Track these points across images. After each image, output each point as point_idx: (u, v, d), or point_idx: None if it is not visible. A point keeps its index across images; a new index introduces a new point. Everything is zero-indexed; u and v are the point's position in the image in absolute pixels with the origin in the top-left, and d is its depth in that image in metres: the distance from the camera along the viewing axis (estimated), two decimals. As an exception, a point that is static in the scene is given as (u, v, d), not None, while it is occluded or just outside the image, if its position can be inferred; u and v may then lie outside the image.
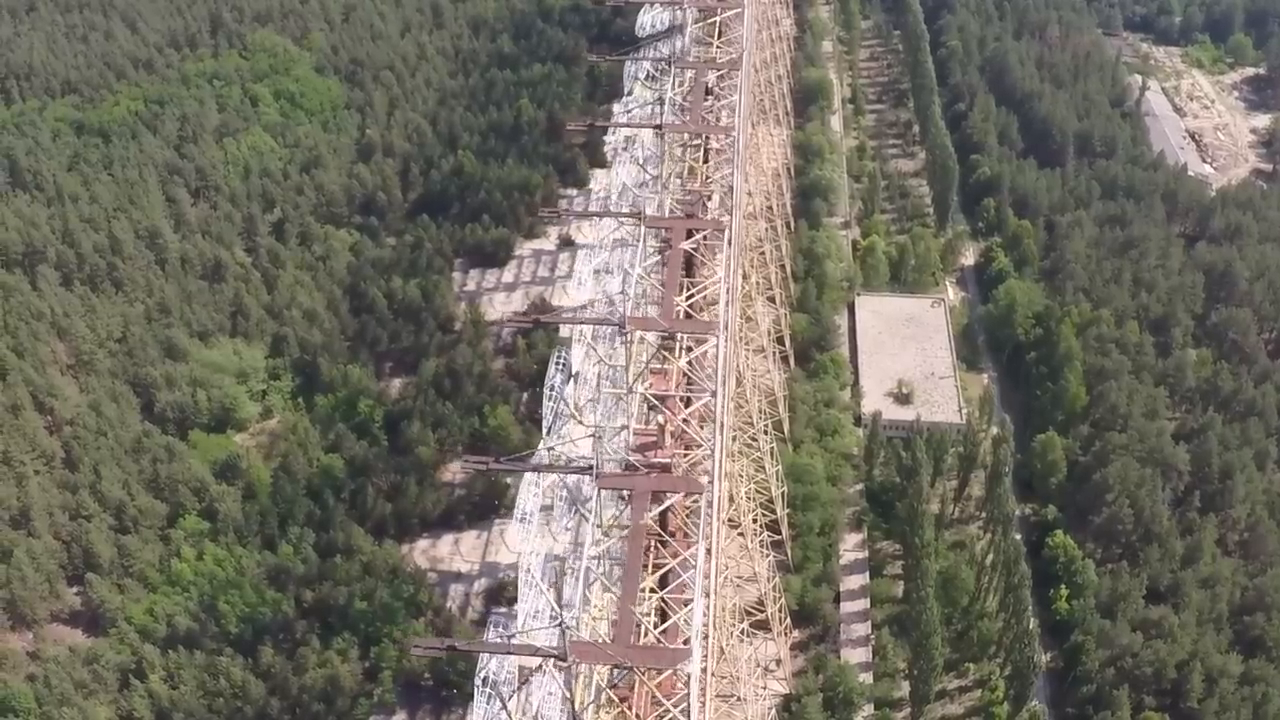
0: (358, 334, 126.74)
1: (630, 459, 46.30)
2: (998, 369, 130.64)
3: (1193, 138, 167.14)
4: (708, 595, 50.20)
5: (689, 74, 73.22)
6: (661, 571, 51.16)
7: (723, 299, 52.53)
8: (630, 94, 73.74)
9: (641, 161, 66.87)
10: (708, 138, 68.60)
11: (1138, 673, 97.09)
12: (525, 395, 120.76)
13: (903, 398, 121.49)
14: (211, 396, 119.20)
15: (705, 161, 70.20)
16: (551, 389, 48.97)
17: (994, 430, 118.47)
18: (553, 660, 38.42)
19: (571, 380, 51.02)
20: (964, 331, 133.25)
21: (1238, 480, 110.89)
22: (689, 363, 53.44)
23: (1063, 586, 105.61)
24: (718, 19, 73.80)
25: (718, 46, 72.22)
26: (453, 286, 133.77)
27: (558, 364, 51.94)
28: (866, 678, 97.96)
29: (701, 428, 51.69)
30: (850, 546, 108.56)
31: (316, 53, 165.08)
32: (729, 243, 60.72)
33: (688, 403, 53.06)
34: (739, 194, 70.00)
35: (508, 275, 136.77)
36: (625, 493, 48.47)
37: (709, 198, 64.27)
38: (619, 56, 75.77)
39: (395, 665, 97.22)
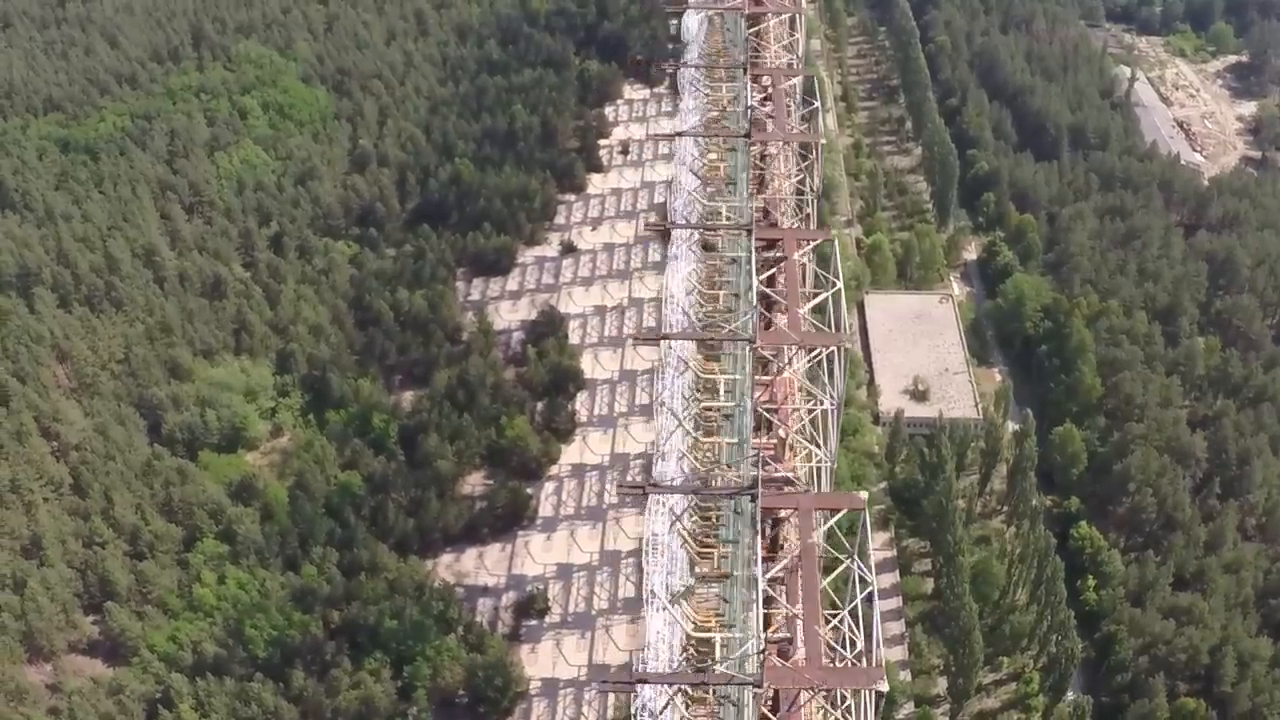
0: (365, 347, 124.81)
1: (756, 474, 45.25)
2: (1008, 363, 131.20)
3: (1181, 127, 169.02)
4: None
5: (740, 79, 72.22)
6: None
7: (842, 305, 51.68)
8: (681, 99, 72.60)
9: (696, 170, 65.80)
10: (766, 144, 67.69)
11: (1171, 660, 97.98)
12: (540, 405, 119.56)
13: (919, 395, 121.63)
14: (221, 416, 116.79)
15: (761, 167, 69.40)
16: (662, 404, 47.63)
17: (1010, 425, 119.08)
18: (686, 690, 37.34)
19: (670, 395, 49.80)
20: (972, 326, 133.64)
21: (1255, 466, 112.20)
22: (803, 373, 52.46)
23: (1090, 577, 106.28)
24: (770, 23, 72.87)
25: (775, 51, 71.22)
26: (457, 296, 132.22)
27: (662, 380, 50.68)
28: (904, 675, 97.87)
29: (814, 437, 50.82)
30: (878, 545, 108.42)
31: (302, 63, 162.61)
32: (836, 249, 59.79)
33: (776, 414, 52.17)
34: (818, 200, 68.97)
35: (511, 283, 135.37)
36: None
37: (778, 206, 63.43)
38: (682, 63, 74.09)
39: (429, 683, 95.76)
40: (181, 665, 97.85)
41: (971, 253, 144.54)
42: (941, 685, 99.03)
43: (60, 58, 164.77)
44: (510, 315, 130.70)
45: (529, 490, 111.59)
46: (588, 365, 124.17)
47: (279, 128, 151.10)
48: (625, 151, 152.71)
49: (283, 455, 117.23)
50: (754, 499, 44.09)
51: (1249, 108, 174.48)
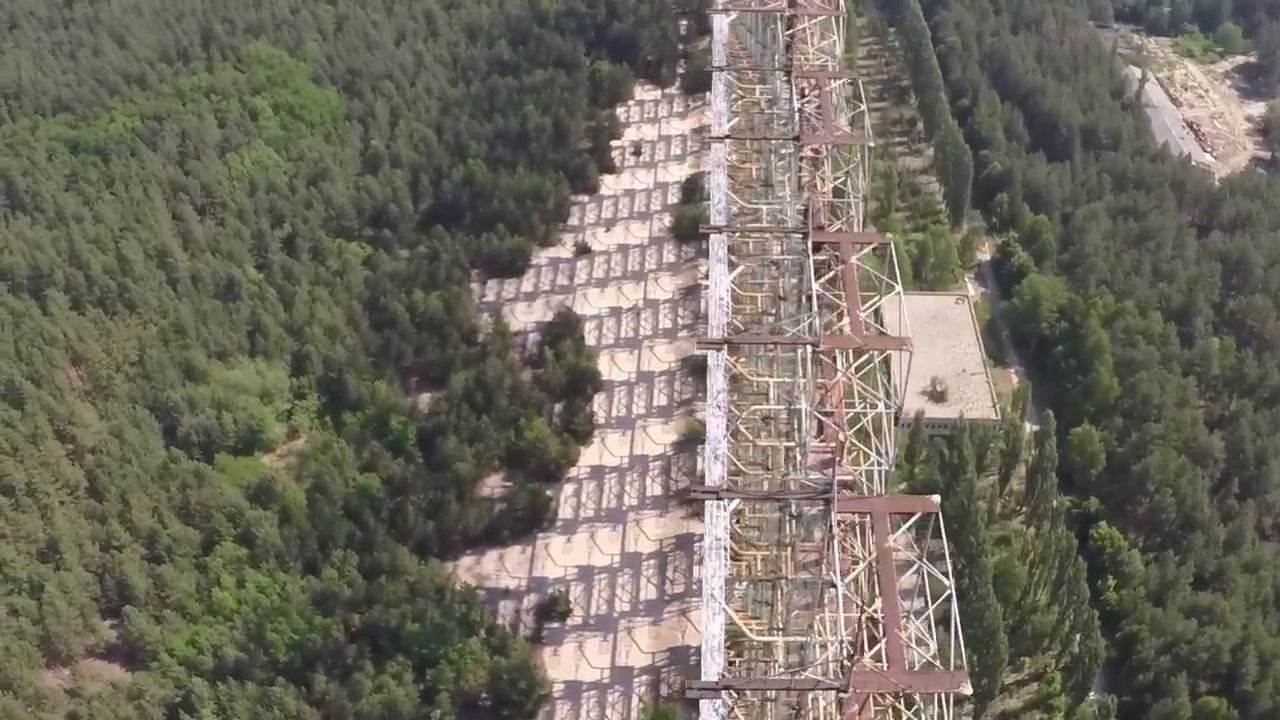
0: (381, 349, 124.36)
1: (832, 478, 44.90)
2: (1024, 363, 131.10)
3: (1191, 128, 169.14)
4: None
5: (777, 82, 71.80)
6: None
7: (902, 308, 51.41)
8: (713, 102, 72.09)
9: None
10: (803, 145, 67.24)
11: (1193, 659, 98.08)
12: (558, 406, 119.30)
13: (937, 395, 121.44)
14: (237, 418, 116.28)
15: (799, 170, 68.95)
16: (718, 407, 47.25)
17: (1027, 425, 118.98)
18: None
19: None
20: (987, 327, 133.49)
21: (1273, 465, 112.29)
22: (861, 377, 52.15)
23: (1110, 577, 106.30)
24: (806, 25, 72.44)
25: (811, 54, 70.76)
26: (472, 297, 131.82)
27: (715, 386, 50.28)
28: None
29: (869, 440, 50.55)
30: (899, 546, 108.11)
31: (312, 63, 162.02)
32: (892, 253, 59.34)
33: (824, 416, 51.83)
34: (864, 203, 68.42)
35: (526, 284, 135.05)
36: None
37: (820, 209, 63.03)
38: (735, 67, 73.55)
39: (452, 686, 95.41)
40: (202, 669, 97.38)
41: (985, 253, 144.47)
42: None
43: (68, 58, 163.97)
44: (525, 317, 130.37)
45: (548, 492, 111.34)
46: (604, 367, 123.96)
47: (290, 129, 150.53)
48: (638, 152, 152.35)
49: (299, 458, 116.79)
50: (828, 503, 43.75)
51: (1258, 108, 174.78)
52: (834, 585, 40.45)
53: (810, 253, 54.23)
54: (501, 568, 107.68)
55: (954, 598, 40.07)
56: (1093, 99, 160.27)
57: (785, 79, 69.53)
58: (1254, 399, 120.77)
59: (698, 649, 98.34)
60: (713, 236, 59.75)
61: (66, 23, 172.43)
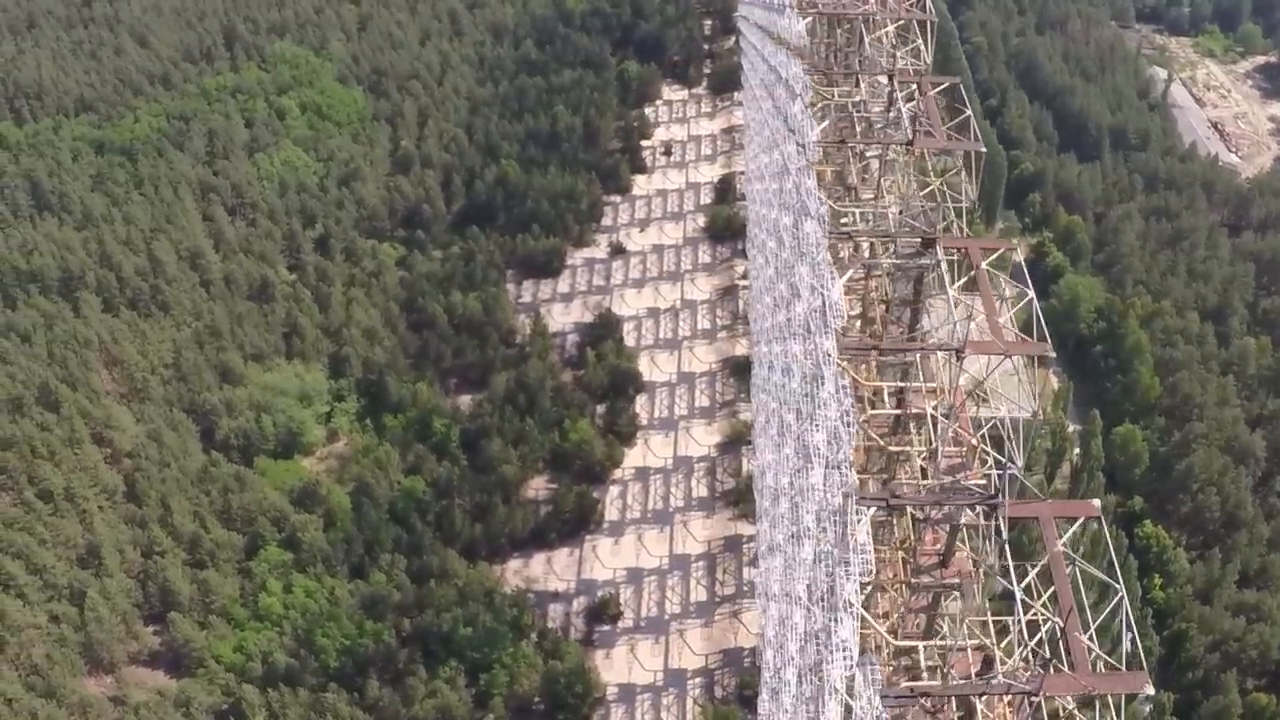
0: (419, 351, 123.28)
1: (1003, 482, 44.23)
2: (1062, 363, 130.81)
3: (1215, 128, 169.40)
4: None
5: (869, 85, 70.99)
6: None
7: (1035, 314, 50.78)
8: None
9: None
10: (887, 149, 66.63)
11: (1242, 656, 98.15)
12: (600, 408, 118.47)
13: (979, 396, 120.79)
14: (276, 421, 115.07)
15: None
16: (846, 415, 46.40)
17: (1069, 425, 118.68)
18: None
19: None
20: (1023, 327, 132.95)
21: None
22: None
23: (1156, 575, 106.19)
24: (891, 27, 71.72)
25: (900, 57, 69.96)
26: (509, 298, 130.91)
27: (835, 392, 49.41)
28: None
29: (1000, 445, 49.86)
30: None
31: (337, 63, 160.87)
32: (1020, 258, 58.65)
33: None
34: (972, 209, 67.66)
35: (563, 285, 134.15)
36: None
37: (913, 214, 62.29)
38: (851, 71, 72.62)
39: (506, 690, 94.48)
40: (251, 676, 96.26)
41: (1019, 254, 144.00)
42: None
43: (90, 58, 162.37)
44: (563, 318, 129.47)
45: (594, 494, 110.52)
46: (645, 368, 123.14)
47: (318, 128, 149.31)
48: (668, 153, 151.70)
49: (340, 460, 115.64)
50: (994, 508, 43.02)
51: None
52: (1011, 591, 39.60)
53: (941, 258, 53.37)
54: (549, 570, 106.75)
55: (1125, 599, 39.38)
56: (1120, 99, 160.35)
57: (885, 82, 68.59)
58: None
59: (751, 650, 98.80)
60: (815, 239, 58.82)
61: (86, 22, 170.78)
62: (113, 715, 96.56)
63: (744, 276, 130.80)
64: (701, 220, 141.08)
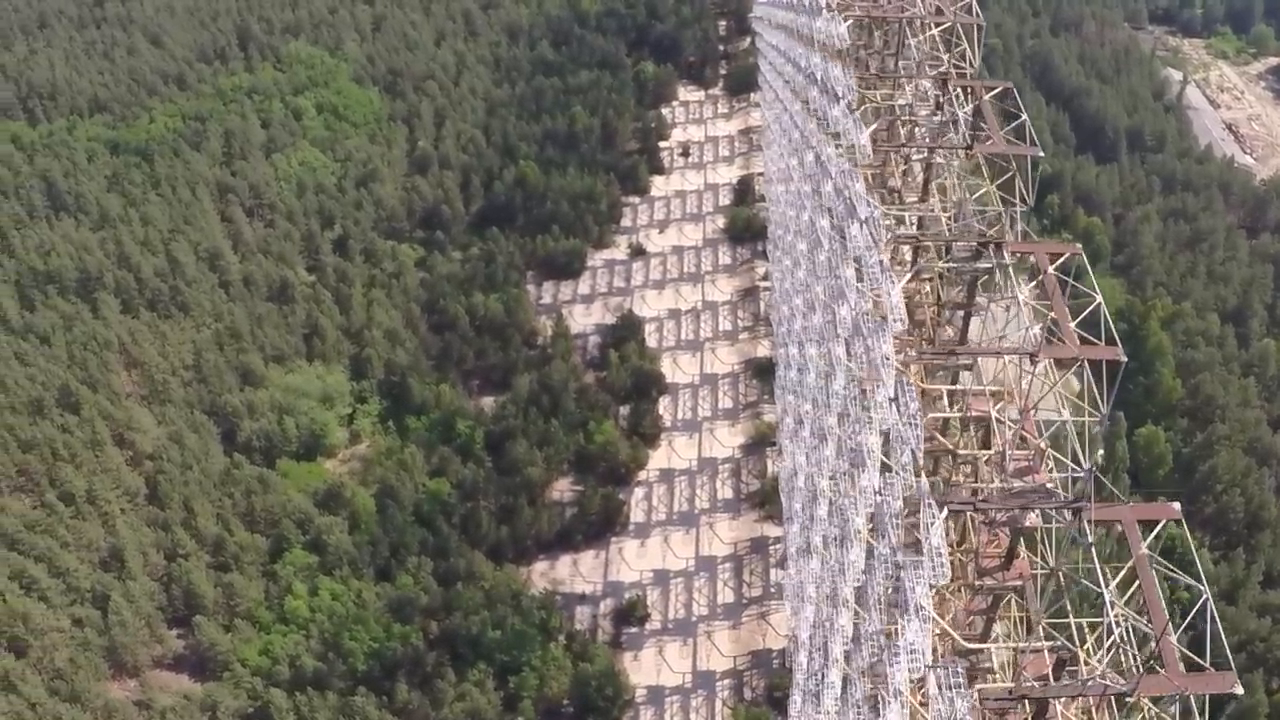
0: (441, 352, 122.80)
1: (1088, 485, 43.89)
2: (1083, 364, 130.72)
3: (1230, 129, 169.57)
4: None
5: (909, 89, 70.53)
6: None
7: (1104, 318, 50.65)
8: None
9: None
10: (932, 152, 66.07)
11: (1268, 657, 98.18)
12: (623, 409, 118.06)
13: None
14: (299, 423, 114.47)
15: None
16: (911, 420, 46.02)
17: (1093, 426, 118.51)
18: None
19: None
20: (1044, 329, 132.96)
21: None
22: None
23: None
24: (936, 30, 71.20)
25: (946, 60, 69.40)
26: (530, 300, 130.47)
27: (899, 395, 49.12)
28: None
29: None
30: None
31: (353, 63, 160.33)
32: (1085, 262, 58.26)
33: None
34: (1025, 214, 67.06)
35: (583, 286, 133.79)
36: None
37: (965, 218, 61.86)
38: (890, 75, 72.08)
39: (536, 693, 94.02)
40: (278, 680, 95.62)
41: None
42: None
43: (103, 57, 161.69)
44: (584, 319, 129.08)
45: (620, 496, 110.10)
46: (667, 369, 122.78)
47: (334, 129, 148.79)
48: (686, 154, 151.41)
49: (362, 462, 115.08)
50: (1078, 512, 42.64)
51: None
52: (1101, 594, 39.25)
53: (1008, 263, 52.96)
54: (575, 572, 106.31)
55: (1210, 600, 39.11)
56: (1136, 101, 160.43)
57: (928, 86, 68.11)
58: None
59: (780, 652, 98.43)
60: (866, 242, 58.32)
61: (98, 22, 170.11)
62: (137, 719, 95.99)
63: (765, 278, 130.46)
64: (721, 221, 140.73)
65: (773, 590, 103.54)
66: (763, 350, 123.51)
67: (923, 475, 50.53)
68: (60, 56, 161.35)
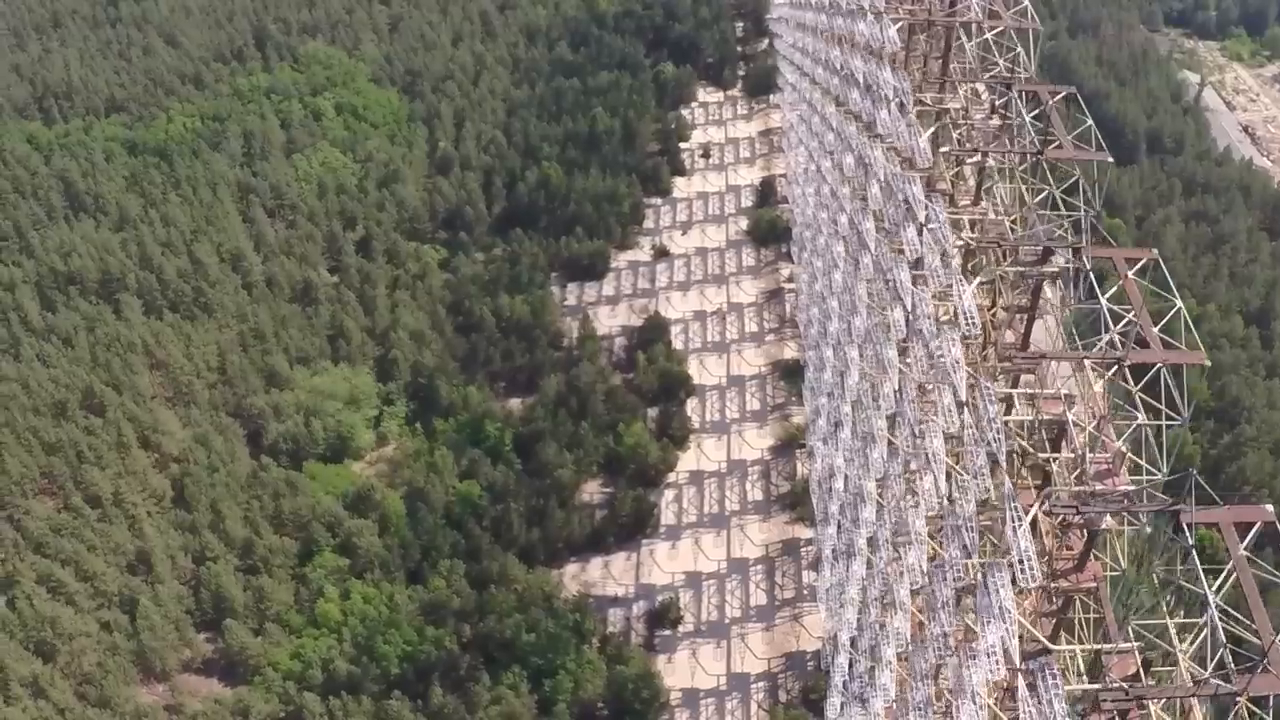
0: (468, 354, 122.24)
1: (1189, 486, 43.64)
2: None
3: (1247, 131, 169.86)
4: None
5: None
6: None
7: (1185, 323, 50.52)
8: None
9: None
10: (986, 156, 65.73)
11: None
12: (651, 411, 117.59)
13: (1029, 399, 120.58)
14: (326, 425, 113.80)
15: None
16: (991, 424, 45.71)
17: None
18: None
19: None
20: (1067, 329, 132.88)
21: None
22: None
23: (1210, 577, 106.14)
24: (990, 34, 70.78)
25: (1002, 66, 68.98)
26: (555, 301, 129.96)
27: (965, 403, 48.87)
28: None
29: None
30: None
31: (371, 64, 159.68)
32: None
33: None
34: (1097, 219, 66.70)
35: (607, 288, 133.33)
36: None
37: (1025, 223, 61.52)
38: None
39: (570, 696, 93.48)
40: (311, 684, 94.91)
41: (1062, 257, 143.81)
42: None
43: (118, 57, 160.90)
44: (609, 320, 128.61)
45: (650, 498, 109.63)
46: (694, 370, 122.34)
47: (354, 130, 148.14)
48: (706, 155, 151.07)
49: (390, 465, 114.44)
50: (1176, 514, 42.43)
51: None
52: (1204, 598, 39.03)
53: (1088, 268, 52.74)
54: (607, 575, 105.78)
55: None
56: (1155, 104, 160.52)
57: (995, 90, 67.65)
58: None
59: (814, 654, 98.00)
60: (929, 245, 57.95)
61: (112, 21, 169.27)
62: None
63: (790, 279, 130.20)
64: (743, 223, 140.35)
65: (805, 593, 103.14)
66: (789, 352, 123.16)
67: (1006, 479, 50.38)
68: (75, 56, 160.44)
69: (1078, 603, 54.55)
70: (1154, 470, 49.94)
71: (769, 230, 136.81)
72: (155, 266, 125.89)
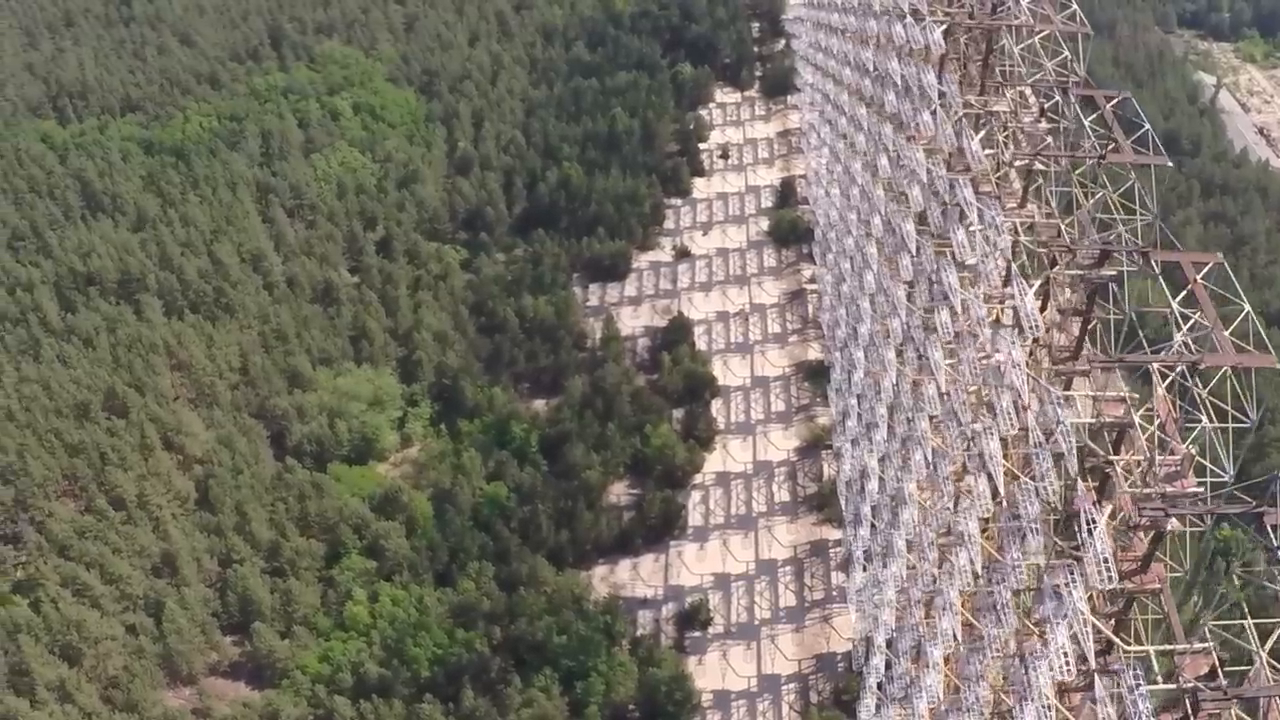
0: (491, 355, 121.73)
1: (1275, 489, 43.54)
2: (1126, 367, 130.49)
3: (1262, 133, 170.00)
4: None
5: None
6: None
7: (1253, 327, 50.47)
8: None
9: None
10: (1034, 161, 65.45)
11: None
12: (677, 412, 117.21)
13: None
14: (350, 427, 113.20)
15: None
16: (1062, 426, 45.62)
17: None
18: None
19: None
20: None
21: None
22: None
23: (1236, 578, 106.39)
24: (1037, 38, 70.45)
25: (1051, 68, 68.66)
26: (578, 302, 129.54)
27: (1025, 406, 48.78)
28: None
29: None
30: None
31: (388, 63, 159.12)
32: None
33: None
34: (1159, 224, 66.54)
35: (629, 289, 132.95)
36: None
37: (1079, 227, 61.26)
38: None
39: (602, 698, 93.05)
40: (341, 687, 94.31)
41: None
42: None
43: (133, 56, 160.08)
44: (632, 321, 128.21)
45: (681, 501, 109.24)
46: (718, 372, 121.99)
47: (372, 130, 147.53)
48: (725, 155, 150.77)
49: (415, 466, 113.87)
50: (1259, 516, 42.39)
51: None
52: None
53: (1158, 272, 52.59)
54: (636, 576, 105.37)
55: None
56: (1172, 105, 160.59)
57: (1046, 94, 67.34)
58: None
59: (844, 655, 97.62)
60: (984, 247, 57.74)
61: (126, 20, 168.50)
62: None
63: (812, 280, 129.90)
64: (764, 223, 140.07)
65: (834, 594, 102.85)
66: (813, 353, 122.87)
67: (1080, 482, 50.13)
68: (89, 55, 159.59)
69: (1136, 604, 54.50)
70: (1218, 472, 49.86)
71: (790, 231, 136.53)
72: (175, 267, 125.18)
